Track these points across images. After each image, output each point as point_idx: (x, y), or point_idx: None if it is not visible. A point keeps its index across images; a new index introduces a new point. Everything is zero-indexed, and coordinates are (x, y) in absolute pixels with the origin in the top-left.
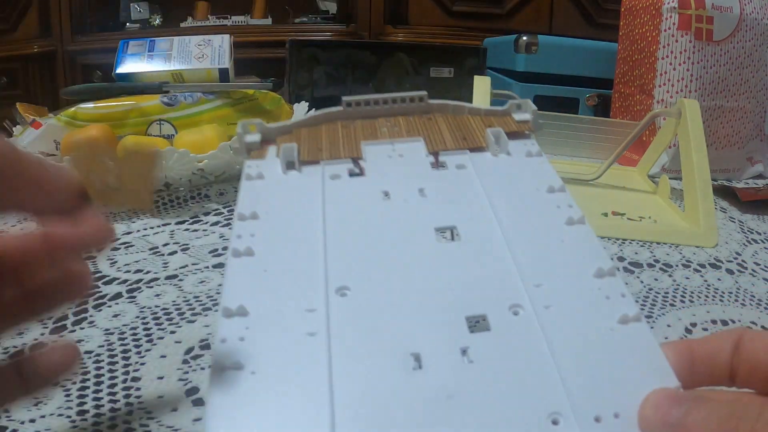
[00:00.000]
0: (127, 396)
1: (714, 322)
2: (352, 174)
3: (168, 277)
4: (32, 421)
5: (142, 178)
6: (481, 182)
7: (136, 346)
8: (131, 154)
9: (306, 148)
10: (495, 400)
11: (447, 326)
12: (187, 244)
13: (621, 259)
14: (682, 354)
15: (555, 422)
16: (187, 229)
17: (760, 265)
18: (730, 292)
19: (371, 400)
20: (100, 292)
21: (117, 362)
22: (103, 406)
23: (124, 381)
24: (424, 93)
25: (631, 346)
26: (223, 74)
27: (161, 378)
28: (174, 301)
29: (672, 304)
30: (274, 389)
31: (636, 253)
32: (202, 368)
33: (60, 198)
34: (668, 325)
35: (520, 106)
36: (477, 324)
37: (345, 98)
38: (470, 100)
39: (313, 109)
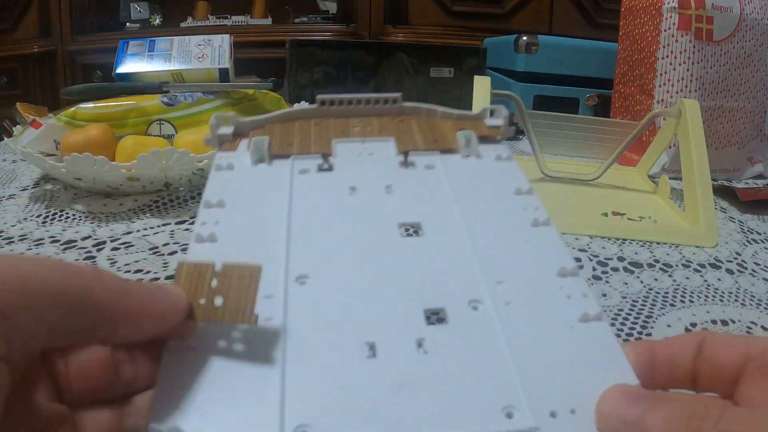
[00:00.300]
0: None
1: (714, 322)
2: (321, 169)
3: (168, 277)
4: None
5: (245, 293)
6: (450, 182)
7: None
8: (233, 268)
9: (277, 143)
10: (448, 390)
11: (404, 317)
12: (187, 244)
13: (621, 259)
14: (643, 354)
15: (509, 415)
16: (187, 229)
17: (760, 265)
18: (730, 292)
19: (322, 386)
20: None
21: None
22: None
23: None
24: (398, 95)
25: (591, 344)
26: (223, 74)
27: None
28: None
29: (672, 305)
30: (225, 373)
31: (636, 253)
32: None
33: (169, 324)
34: (668, 326)
35: (494, 111)
36: (435, 316)
37: (320, 96)
38: (470, 100)
39: None
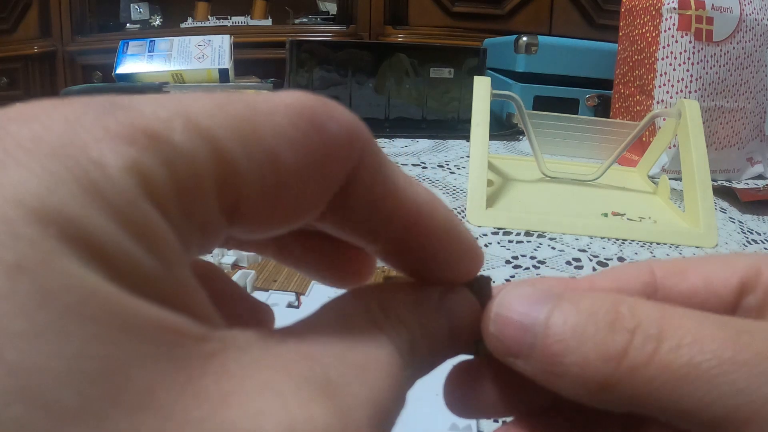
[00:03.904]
0: None
1: None
2: (289, 305)
3: None
4: None
5: None
6: None
7: None
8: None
9: (264, 277)
10: None
11: None
12: None
13: (621, 259)
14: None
15: None
16: None
17: None
18: None
19: None
20: None
21: None
22: None
23: None
24: None
25: None
26: (223, 74)
27: None
28: None
29: None
30: None
31: (636, 254)
32: None
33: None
34: None
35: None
36: None
37: None
38: (470, 101)
39: None
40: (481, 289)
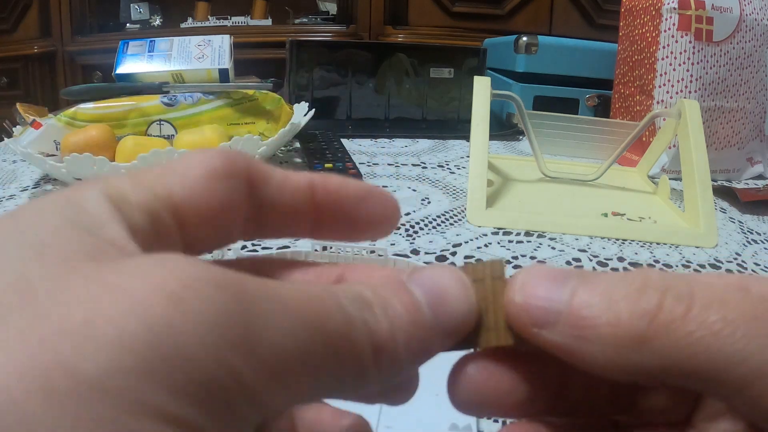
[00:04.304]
0: None
1: None
2: None
3: None
4: None
5: (494, 303)
6: None
7: None
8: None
9: None
10: None
11: None
12: None
13: (621, 259)
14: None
15: None
16: None
17: (760, 265)
18: None
19: None
20: None
21: None
22: None
23: None
24: (385, 248)
25: None
26: (223, 74)
27: None
28: None
29: None
30: None
31: (636, 254)
32: None
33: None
34: None
35: None
36: None
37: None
38: (470, 101)
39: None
40: (495, 272)
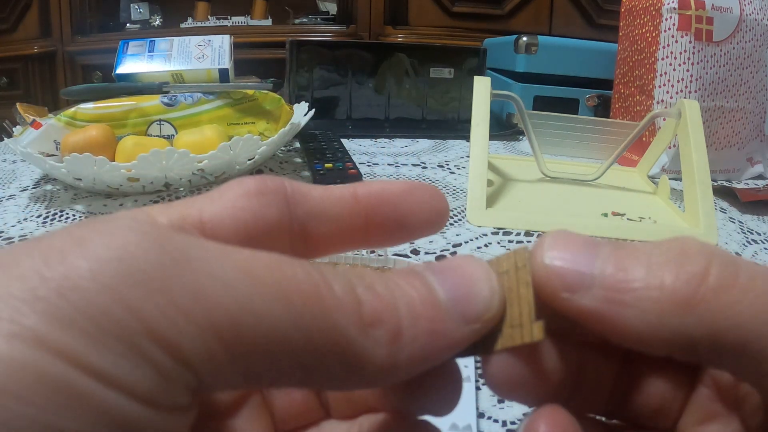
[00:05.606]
0: None
1: None
2: None
3: None
4: None
5: (518, 293)
6: None
7: None
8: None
9: None
10: None
11: None
12: None
13: None
14: None
15: None
16: None
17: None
18: None
19: None
20: None
21: None
22: None
23: None
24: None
25: None
26: (223, 74)
27: None
28: None
29: None
30: None
31: None
32: None
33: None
34: None
35: None
36: None
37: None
38: (470, 101)
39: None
40: (519, 261)
